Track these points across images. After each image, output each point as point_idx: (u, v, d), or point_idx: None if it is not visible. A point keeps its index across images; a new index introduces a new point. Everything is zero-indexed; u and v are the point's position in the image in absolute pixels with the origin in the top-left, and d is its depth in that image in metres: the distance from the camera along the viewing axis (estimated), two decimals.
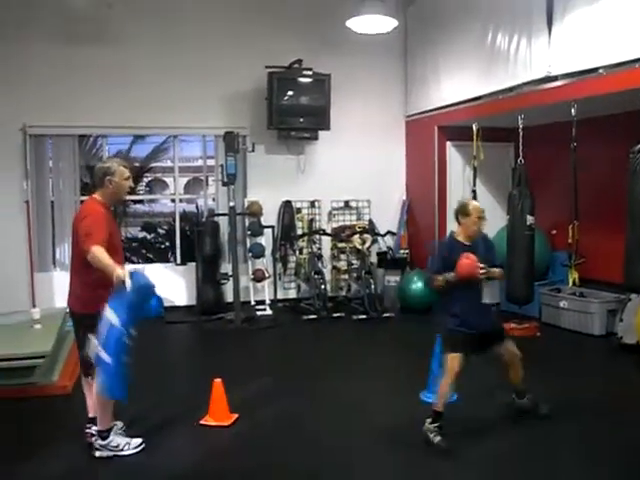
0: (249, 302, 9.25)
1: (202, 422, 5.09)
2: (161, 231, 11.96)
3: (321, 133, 9.53)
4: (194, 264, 9.17)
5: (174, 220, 9.94)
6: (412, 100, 9.85)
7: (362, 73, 9.71)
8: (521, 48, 7.26)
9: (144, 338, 8.16)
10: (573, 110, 6.60)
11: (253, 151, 9.29)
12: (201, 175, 10.53)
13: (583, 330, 7.65)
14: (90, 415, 4.72)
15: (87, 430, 4.71)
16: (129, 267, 4.61)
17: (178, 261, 9.65)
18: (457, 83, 8.55)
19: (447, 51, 8.75)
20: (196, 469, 4.45)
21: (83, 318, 4.50)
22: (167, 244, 11.06)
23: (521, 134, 7.47)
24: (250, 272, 9.36)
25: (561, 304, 7.95)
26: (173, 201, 10.25)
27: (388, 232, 9.76)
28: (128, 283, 4.17)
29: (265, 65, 9.01)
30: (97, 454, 4.57)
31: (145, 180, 12.59)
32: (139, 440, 4.69)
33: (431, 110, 9.27)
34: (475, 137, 8.19)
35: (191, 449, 4.77)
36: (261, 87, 9.20)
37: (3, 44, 8.51)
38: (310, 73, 9.23)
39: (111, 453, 4.57)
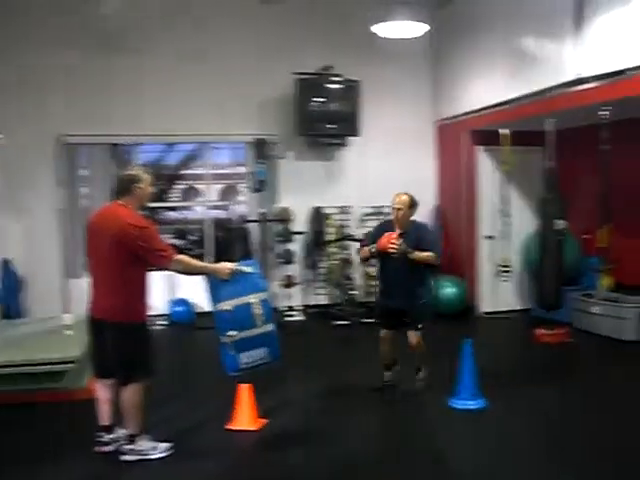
0: (279, 308, 9.28)
1: (229, 427, 5.12)
2: (193, 238, 12.04)
3: (351, 139, 9.53)
4: None
5: (207, 227, 10.01)
6: (442, 105, 9.81)
7: (392, 78, 9.70)
8: (550, 51, 7.19)
9: (174, 343, 8.33)
10: (603, 113, 6.52)
11: (283, 158, 9.34)
12: (232, 182, 10.61)
13: (615, 336, 7.53)
14: (105, 424, 4.75)
15: (98, 439, 4.73)
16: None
17: None
18: (486, 87, 8.51)
19: (476, 55, 8.72)
20: (220, 474, 4.47)
21: (123, 327, 4.52)
22: (200, 250, 11.10)
23: (551, 138, 7.40)
24: (280, 278, 9.39)
25: (593, 309, 7.84)
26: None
27: None
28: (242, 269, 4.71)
29: (294, 72, 9.07)
30: (125, 458, 4.61)
31: (177, 187, 12.79)
32: (166, 445, 4.72)
33: (460, 115, 9.23)
34: (506, 141, 8.13)
35: (216, 454, 4.78)
36: (291, 94, 9.25)
37: (38, 56, 8.72)
38: (340, 79, 9.26)
39: (138, 457, 4.61)
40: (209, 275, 4.77)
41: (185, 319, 9.12)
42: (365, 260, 5.98)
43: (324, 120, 9.30)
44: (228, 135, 9.54)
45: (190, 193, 12.89)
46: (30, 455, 4.79)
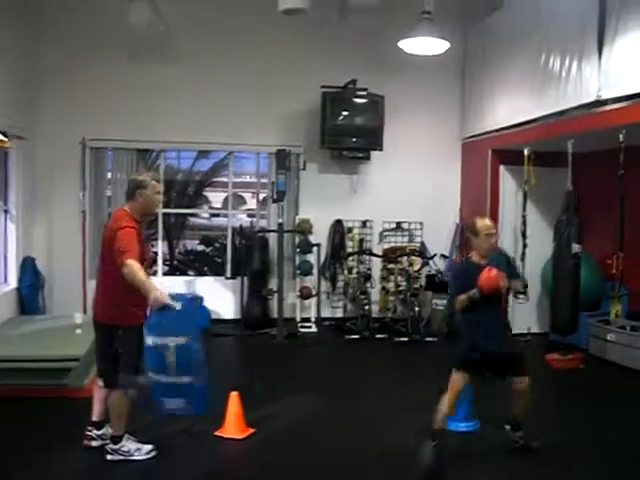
0: (295, 319, 9.31)
1: (217, 434, 5.15)
2: (218, 245, 12.18)
3: (374, 153, 9.54)
4: (242, 278, 9.33)
5: (228, 235, 10.11)
6: (468, 122, 9.76)
7: (418, 94, 9.68)
8: (572, 71, 7.09)
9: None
10: (621, 136, 6.41)
11: (304, 169, 9.40)
12: (256, 191, 10.70)
13: (631, 365, 7.34)
14: (94, 419, 4.88)
15: (87, 433, 4.88)
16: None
17: (228, 274, 9.80)
18: (510, 106, 8.43)
19: (502, 73, 8.65)
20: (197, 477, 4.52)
21: (116, 329, 4.61)
22: (221, 258, 11.23)
23: (570, 159, 7.31)
24: (297, 289, 9.41)
25: (608, 337, 7.67)
26: (226, 216, 10.46)
27: (434, 255, 9.62)
28: (171, 304, 4.22)
29: (321, 85, 9.13)
30: (108, 457, 4.69)
31: (205, 194, 12.97)
32: (150, 446, 4.79)
33: (485, 133, 9.16)
34: (526, 161, 8.05)
35: (199, 459, 4.83)
36: (317, 107, 9.31)
37: (66, 62, 8.96)
38: (364, 93, 9.29)
39: (122, 457, 4.68)
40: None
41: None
42: (463, 311, 4.77)
43: (348, 134, 9.35)
44: (253, 145, 9.63)
45: (220, 201, 13.04)
46: (24, 446, 4.94)
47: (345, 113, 9.35)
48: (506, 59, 8.50)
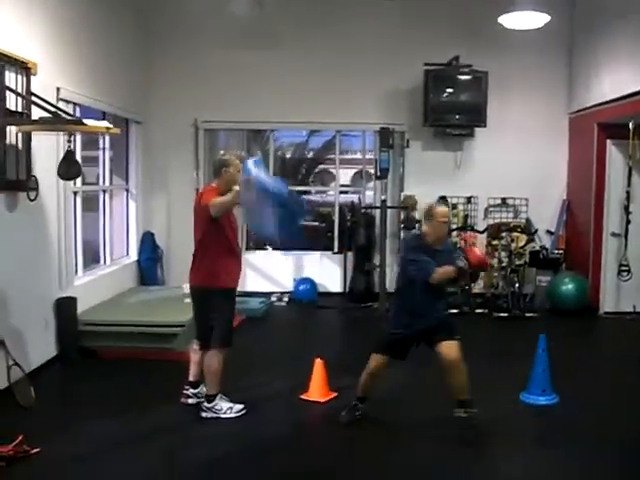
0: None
1: (302, 397, 5.52)
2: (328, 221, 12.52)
3: (478, 130, 9.56)
4: (349, 254, 9.65)
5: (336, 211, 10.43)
6: (575, 96, 9.54)
7: (523, 68, 9.55)
8: None
9: (292, 320, 8.88)
10: None
11: (408, 147, 9.56)
12: (361, 168, 10.97)
13: None
14: (190, 379, 5.36)
15: (184, 391, 5.37)
16: None
17: (335, 249, 10.15)
18: (616, 78, 8.20)
19: (609, 45, 8.40)
20: (282, 437, 4.87)
21: (209, 293, 5.06)
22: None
23: None
24: None
25: None
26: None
27: (536, 230, 9.54)
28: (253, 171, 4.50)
29: (424, 62, 9.22)
30: (203, 414, 5.14)
31: (315, 172, 13.39)
32: (241, 406, 5.20)
33: (592, 107, 8.95)
34: (632, 135, 7.85)
35: (283, 419, 5.22)
36: (420, 85, 9.41)
37: (179, 48, 9.51)
38: (467, 70, 9.29)
39: (215, 415, 5.12)
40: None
41: (308, 297, 9.60)
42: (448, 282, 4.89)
43: (452, 111, 9.40)
44: (359, 123, 9.88)
45: (326, 177, 13.37)
46: (128, 400, 5.50)
47: (449, 90, 9.40)
48: (613, 29, 8.23)
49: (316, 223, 12.59)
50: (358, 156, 10.69)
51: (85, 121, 5.42)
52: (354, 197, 10.46)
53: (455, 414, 4.72)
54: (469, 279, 5.03)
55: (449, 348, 4.62)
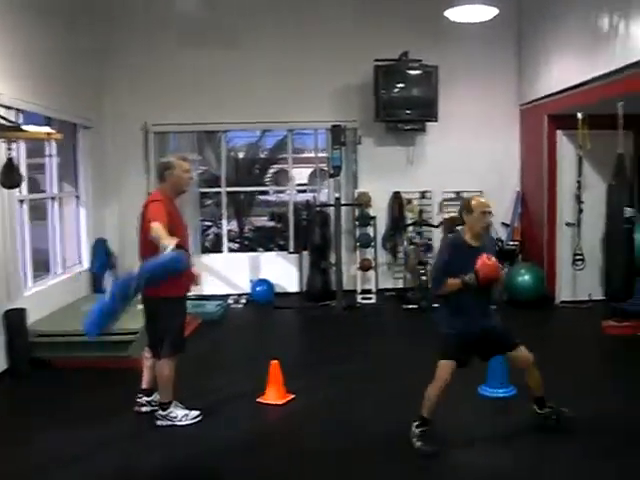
0: (356, 291, 9.51)
1: (259, 400, 5.43)
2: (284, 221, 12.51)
3: (430, 125, 9.58)
4: (305, 253, 9.59)
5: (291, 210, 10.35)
6: (524, 88, 9.61)
7: (472, 62, 9.59)
8: (622, 30, 6.90)
9: (248, 321, 8.78)
10: None
11: (360, 143, 9.54)
12: (315, 167, 10.93)
13: None
14: (143, 386, 5.25)
15: (138, 400, 5.25)
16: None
17: (291, 249, 10.08)
18: (563, 69, 8.27)
19: (557, 36, 8.44)
20: (238, 442, 4.79)
21: (157, 302, 4.93)
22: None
23: (621, 122, 7.13)
24: (357, 261, 9.60)
25: None
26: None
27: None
28: (168, 251, 4.33)
29: (374, 59, 9.19)
30: (158, 423, 5.04)
31: (269, 172, 13.35)
32: (196, 412, 5.10)
33: (541, 98, 9.01)
34: (580, 125, 7.91)
35: (241, 423, 5.13)
36: (371, 81, 9.38)
37: (129, 50, 9.37)
38: (417, 65, 9.30)
39: (170, 423, 5.02)
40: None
41: (265, 298, 9.51)
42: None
43: (403, 106, 9.40)
44: (311, 122, 9.83)
45: (280, 177, 13.30)
46: (81, 411, 5.37)
47: (399, 85, 9.39)
48: (561, 20, 8.30)
49: (272, 223, 12.57)
50: (313, 155, 10.58)
51: (25, 127, 5.27)
52: (310, 196, 10.42)
53: (540, 413, 4.76)
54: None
55: (524, 351, 4.64)
